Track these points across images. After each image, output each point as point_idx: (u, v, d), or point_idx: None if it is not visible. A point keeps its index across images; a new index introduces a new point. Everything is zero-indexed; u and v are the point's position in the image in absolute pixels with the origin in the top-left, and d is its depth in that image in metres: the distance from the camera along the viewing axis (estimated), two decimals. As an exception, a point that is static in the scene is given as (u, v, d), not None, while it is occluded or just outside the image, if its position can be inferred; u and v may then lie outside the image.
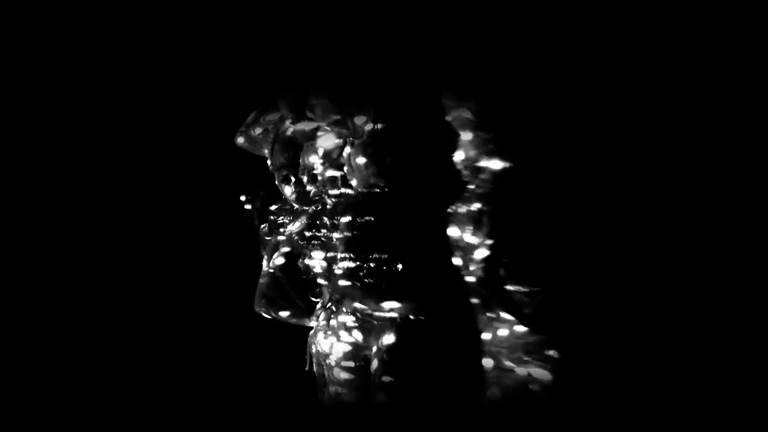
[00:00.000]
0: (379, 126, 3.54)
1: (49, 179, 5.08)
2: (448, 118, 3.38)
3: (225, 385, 4.96)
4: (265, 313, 4.09)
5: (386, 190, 3.55)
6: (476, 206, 3.31)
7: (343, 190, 3.72)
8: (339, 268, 3.61)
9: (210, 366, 5.00)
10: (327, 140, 3.72)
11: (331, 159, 3.72)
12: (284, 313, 4.06)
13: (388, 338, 3.52)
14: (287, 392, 4.61)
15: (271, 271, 4.07)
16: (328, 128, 3.70)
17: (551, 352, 3.31)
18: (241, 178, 4.87)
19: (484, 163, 3.35)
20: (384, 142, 3.54)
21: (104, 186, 5.12)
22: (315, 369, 3.87)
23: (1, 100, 4.99)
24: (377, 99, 3.58)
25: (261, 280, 4.13)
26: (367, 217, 3.65)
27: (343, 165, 3.70)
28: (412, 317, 3.49)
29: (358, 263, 3.62)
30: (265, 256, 4.19)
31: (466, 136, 3.38)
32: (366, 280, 3.61)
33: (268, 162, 4.12)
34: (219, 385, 4.97)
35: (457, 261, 3.41)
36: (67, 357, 5.03)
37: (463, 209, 3.35)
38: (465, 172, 3.40)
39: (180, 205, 5.10)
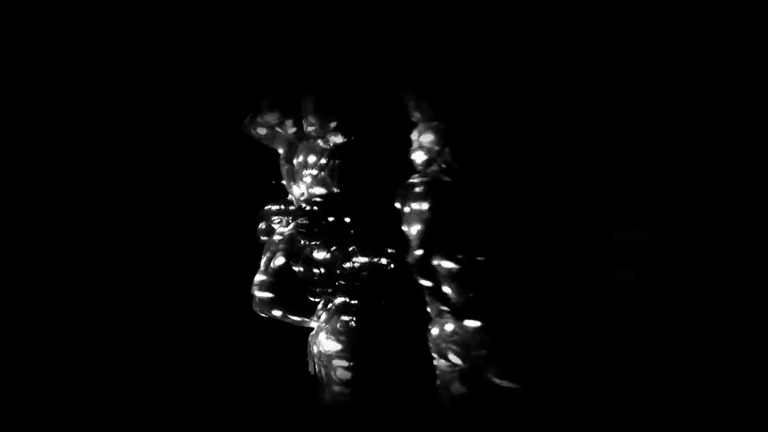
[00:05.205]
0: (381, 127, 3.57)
1: (48, 179, 5.08)
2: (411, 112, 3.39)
3: (225, 385, 4.97)
4: (265, 312, 4.09)
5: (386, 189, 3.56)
6: (427, 204, 3.28)
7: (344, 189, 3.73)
8: (341, 266, 3.65)
9: (210, 366, 5.00)
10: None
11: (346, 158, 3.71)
12: (283, 313, 4.07)
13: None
14: (287, 392, 4.62)
15: (270, 270, 4.08)
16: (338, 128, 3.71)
17: (498, 348, 3.28)
18: (238, 178, 4.90)
19: (444, 158, 3.33)
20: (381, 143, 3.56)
21: (104, 185, 5.12)
22: (316, 369, 3.88)
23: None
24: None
25: (260, 278, 4.14)
26: (366, 217, 3.67)
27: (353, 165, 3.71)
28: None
29: (358, 262, 3.65)
30: (264, 256, 4.20)
31: (426, 134, 3.37)
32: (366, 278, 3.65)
33: (284, 161, 4.06)
34: (219, 385, 4.97)
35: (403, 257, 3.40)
36: (66, 356, 5.03)
37: (416, 206, 3.32)
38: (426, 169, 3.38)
39: (178, 204, 5.09)
